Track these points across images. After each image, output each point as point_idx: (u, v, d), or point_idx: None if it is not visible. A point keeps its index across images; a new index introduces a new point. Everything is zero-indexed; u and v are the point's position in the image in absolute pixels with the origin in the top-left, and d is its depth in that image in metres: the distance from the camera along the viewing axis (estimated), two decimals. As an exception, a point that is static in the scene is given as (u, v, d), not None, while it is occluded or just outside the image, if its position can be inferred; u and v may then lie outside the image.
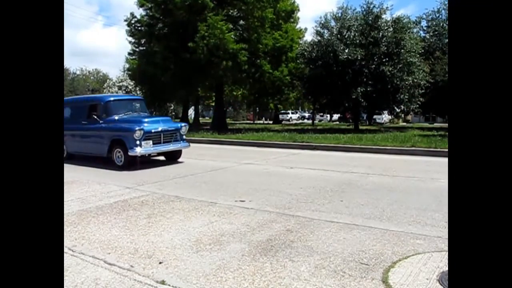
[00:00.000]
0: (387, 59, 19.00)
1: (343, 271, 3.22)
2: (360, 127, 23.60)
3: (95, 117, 9.87)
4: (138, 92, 32.87)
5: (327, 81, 19.94)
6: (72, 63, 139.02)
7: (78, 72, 62.41)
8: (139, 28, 22.93)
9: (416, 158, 10.96)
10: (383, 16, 19.96)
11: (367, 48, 19.06)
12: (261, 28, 20.95)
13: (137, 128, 9.01)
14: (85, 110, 10.31)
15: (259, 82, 22.06)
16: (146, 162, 10.10)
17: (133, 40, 24.00)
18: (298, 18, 28.80)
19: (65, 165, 8.92)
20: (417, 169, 8.81)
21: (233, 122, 42.06)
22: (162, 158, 10.86)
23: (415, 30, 22.83)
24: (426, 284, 2.95)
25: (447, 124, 24.04)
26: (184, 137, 10.38)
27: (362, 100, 18.87)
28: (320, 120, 46.77)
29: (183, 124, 10.65)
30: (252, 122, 45.51)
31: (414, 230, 4.29)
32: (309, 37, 42.14)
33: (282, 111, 46.81)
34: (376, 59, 19.12)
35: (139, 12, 23.06)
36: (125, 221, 4.73)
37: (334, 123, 40.62)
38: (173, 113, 42.79)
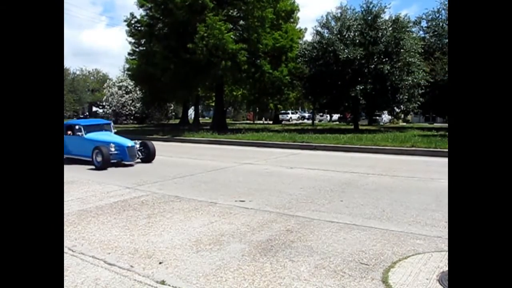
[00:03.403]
0: (386, 58, 19.01)
1: (343, 271, 3.22)
2: (360, 127, 23.60)
3: None
4: (138, 92, 32.86)
5: (327, 80, 19.95)
6: (73, 63, 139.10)
7: (78, 72, 62.32)
8: (139, 28, 22.91)
9: (416, 158, 10.96)
10: (382, 15, 19.97)
11: (366, 47, 19.07)
12: (261, 28, 20.91)
13: None
14: None
15: (259, 82, 22.00)
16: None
17: (133, 41, 23.98)
18: (298, 18, 28.74)
19: (65, 165, 8.93)
20: (417, 169, 8.81)
21: (233, 122, 42.04)
22: (161, 157, 10.87)
23: (414, 30, 22.83)
24: (426, 284, 2.95)
25: (447, 124, 24.03)
26: None
27: (361, 98, 18.87)
28: (320, 120, 46.75)
29: None
30: (252, 122, 45.52)
31: (414, 230, 4.30)
32: (309, 37, 42.11)
33: (282, 111, 46.79)
34: (375, 59, 19.14)
35: (139, 13, 23.08)
36: (125, 221, 4.73)
37: (334, 123, 40.61)
38: (173, 113, 42.76)
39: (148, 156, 10.18)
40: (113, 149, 9.37)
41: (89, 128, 10.41)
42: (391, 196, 5.98)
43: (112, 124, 11.44)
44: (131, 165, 9.68)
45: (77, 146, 10.18)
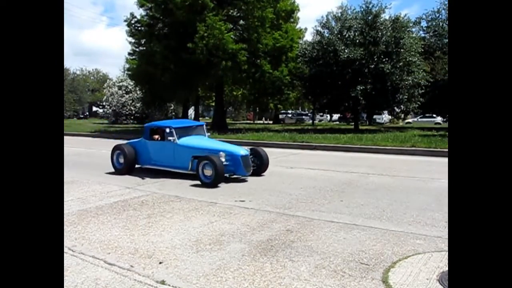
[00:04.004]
0: (386, 58, 19.01)
1: (343, 271, 3.22)
2: (360, 127, 23.60)
3: None
4: (138, 92, 32.85)
5: (327, 80, 19.95)
6: (74, 63, 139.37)
7: (78, 72, 62.30)
8: (139, 28, 22.90)
9: (416, 158, 10.96)
10: (382, 15, 19.97)
11: (366, 47, 19.07)
12: (261, 28, 20.90)
13: None
14: None
15: (259, 82, 21.99)
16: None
17: (133, 41, 23.96)
18: (298, 18, 28.73)
19: (65, 165, 8.90)
20: (417, 169, 8.81)
21: (233, 122, 42.07)
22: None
23: (414, 30, 22.82)
24: (426, 284, 2.95)
25: (447, 124, 24.00)
26: None
27: (361, 99, 18.87)
28: (320, 120, 46.78)
29: None
30: (252, 122, 45.54)
31: (414, 230, 4.30)
32: (309, 37, 42.14)
33: (282, 111, 46.81)
34: (375, 58, 19.14)
35: (139, 12, 23.07)
36: (125, 221, 4.73)
37: (334, 123, 40.62)
38: (173, 113, 42.76)
39: (260, 167, 8.08)
40: (223, 159, 7.26)
41: (181, 132, 8.21)
42: (391, 196, 5.98)
43: (205, 126, 9.18)
44: (243, 180, 7.58)
45: (166, 155, 8.12)
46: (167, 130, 8.11)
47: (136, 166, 8.63)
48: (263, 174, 8.09)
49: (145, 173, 8.27)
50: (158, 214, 5.07)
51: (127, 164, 8.36)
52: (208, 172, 7.09)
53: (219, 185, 6.95)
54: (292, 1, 25.95)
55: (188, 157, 7.68)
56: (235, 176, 7.62)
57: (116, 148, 8.65)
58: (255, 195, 6.16)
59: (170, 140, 8.01)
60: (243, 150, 7.75)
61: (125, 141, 9.54)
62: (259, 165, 8.09)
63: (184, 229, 4.39)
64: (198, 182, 7.18)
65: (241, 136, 17.24)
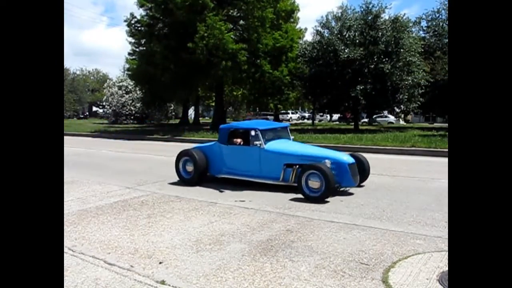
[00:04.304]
0: (386, 58, 19.02)
1: (343, 271, 3.22)
2: (360, 127, 23.60)
3: None
4: (138, 92, 32.86)
5: (327, 80, 19.96)
6: (74, 63, 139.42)
7: (78, 72, 62.29)
8: (139, 28, 22.92)
9: (416, 158, 10.96)
10: (382, 15, 19.98)
11: (366, 47, 19.08)
12: (261, 28, 20.94)
13: None
14: None
15: (259, 82, 22.05)
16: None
17: (133, 41, 23.99)
18: (298, 18, 28.81)
19: (65, 165, 8.89)
20: (417, 169, 8.81)
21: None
22: (158, 157, 10.84)
23: (414, 30, 22.82)
24: (426, 284, 2.95)
25: (447, 124, 24.01)
26: None
27: (361, 99, 18.88)
28: (320, 120, 46.84)
29: None
30: (252, 122, 45.48)
31: (414, 230, 4.30)
32: (309, 37, 42.18)
33: (282, 111, 46.88)
34: (375, 58, 19.15)
35: (139, 13, 23.08)
36: (125, 221, 4.73)
37: (334, 123, 40.63)
38: (173, 113, 42.76)
39: (362, 175, 6.72)
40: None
41: (267, 135, 6.92)
42: (391, 196, 5.98)
43: (289, 128, 7.82)
44: (348, 192, 6.34)
45: (249, 162, 6.83)
46: (253, 132, 6.75)
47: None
48: (362, 184, 6.82)
49: (220, 183, 7.03)
50: (158, 214, 5.07)
51: (197, 173, 7.07)
52: (315, 184, 5.81)
53: (327, 199, 5.79)
54: (292, 1, 25.99)
55: (279, 165, 6.49)
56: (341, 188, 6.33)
57: (182, 154, 7.41)
58: (255, 194, 6.15)
59: (256, 144, 6.73)
60: (347, 157, 6.50)
61: (192, 145, 8.46)
62: (360, 174, 6.67)
63: (184, 229, 4.39)
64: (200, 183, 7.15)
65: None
